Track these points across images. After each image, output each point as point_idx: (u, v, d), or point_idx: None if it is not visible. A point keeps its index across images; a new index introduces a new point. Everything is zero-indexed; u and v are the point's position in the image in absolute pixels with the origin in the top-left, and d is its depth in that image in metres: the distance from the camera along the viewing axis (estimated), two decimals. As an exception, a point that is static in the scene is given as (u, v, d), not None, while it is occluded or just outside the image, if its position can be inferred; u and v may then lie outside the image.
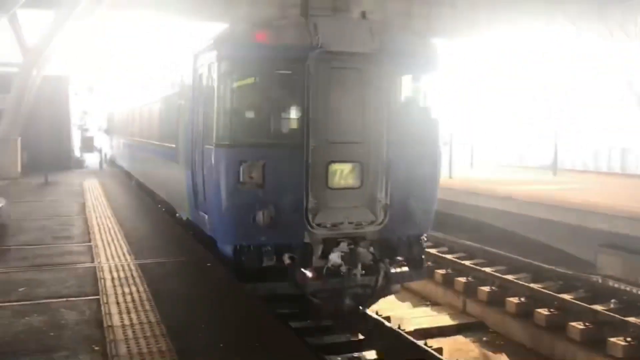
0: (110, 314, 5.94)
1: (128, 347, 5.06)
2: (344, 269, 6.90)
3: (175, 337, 5.30)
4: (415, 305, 10.42)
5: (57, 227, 11.04)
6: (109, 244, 9.51)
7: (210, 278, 7.83)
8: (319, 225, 7.02)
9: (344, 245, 7.00)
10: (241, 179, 6.89)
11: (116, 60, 46.81)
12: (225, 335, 5.51)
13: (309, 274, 6.93)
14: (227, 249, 7.37)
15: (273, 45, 7.00)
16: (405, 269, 7.74)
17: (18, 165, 20.19)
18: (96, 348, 5.07)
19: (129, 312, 5.99)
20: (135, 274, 7.63)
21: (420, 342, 7.58)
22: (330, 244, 7.03)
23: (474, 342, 8.77)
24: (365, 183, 7.12)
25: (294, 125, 7.21)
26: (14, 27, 20.27)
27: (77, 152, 30.27)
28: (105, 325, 5.61)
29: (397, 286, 8.15)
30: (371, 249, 7.18)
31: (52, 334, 5.40)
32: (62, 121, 24.81)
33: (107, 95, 32.74)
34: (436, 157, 7.84)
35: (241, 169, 6.88)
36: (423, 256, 7.84)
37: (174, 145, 9.68)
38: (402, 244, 7.58)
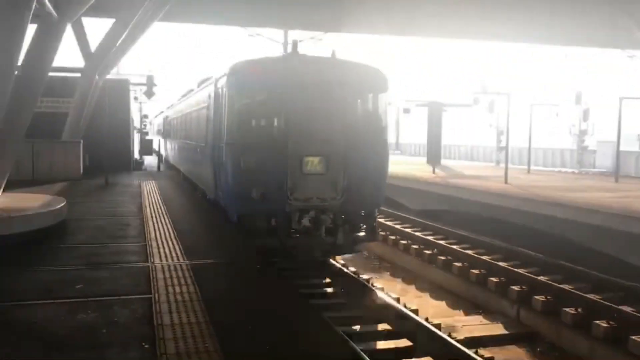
0: (161, 312, 6.06)
1: (177, 346, 5.14)
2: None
3: (223, 338, 5.35)
4: (467, 313, 10.19)
5: (114, 226, 11.36)
6: (163, 244, 9.72)
7: (259, 280, 7.91)
8: (295, 199, 9.44)
9: (312, 213, 9.50)
10: (242, 167, 9.42)
11: (170, 68, 50.37)
12: (270, 337, 5.53)
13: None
14: (234, 216, 9.82)
15: (264, 76, 9.95)
16: (363, 233, 10.26)
17: (80, 167, 20.90)
18: (146, 346, 5.18)
19: (179, 312, 6.09)
20: (187, 274, 7.77)
21: (471, 351, 7.41)
22: (304, 213, 9.50)
23: (527, 352, 8.51)
24: (329, 171, 9.56)
25: (279, 130, 9.68)
26: (77, 34, 21.06)
27: (136, 155, 31.18)
28: (155, 323, 5.72)
29: (360, 245, 10.77)
30: (331, 216, 9.60)
31: (104, 330, 5.54)
32: (123, 124, 25.61)
33: (162, 102, 36.75)
34: (384, 155, 10.46)
35: (241, 160, 9.44)
36: (375, 224, 10.47)
37: (204, 145, 12.58)
38: (359, 215, 10.16)
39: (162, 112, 35.32)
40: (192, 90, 17.87)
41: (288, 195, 9.36)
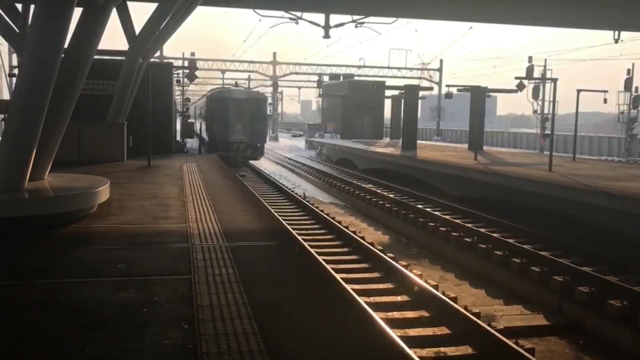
0: (200, 293, 6.12)
1: (215, 327, 5.19)
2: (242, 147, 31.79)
3: (261, 320, 5.38)
4: (507, 303, 10.04)
5: (156, 207, 11.54)
6: (203, 225, 9.84)
7: (298, 263, 7.92)
8: (232, 138, 31.08)
9: (237, 144, 31.01)
10: (214, 128, 31.91)
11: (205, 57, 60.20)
12: (309, 319, 5.53)
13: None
14: (211, 145, 32.02)
15: (222, 95, 32.79)
16: (257, 154, 32.04)
17: (124, 149, 21.29)
18: (185, 326, 5.24)
19: (217, 293, 6.15)
20: (226, 255, 7.84)
21: (511, 342, 7.29)
22: (234, 143, 31.02)
23: (569, 344, 8.33)
24: (244, 129, 31.23)
25: (226, 114, 31.31)
26: (122, 17, 21.35)
27: (178, 137, 31.61)
28: (195, 304, 5.79)
29: (261, 156, 32.86)
30: (244, 145, 31.10)
31: (145, 310, 5.63)
32: (165, 107, 25.91)
33: (199, 89, 55.55)
34: (265, 125, 34.14)
35: (214, 125, 31.87)
36: (263, 149, 32.88)
37: (205, 121, 34.33)
38: (256, 145, 31.86)
39: (195, 102, 53.88)
40: (205, 94, 41.13)
41: (229, 137, 30.69)
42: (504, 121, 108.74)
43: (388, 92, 39.19)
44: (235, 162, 29.37)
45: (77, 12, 11.40)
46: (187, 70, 32.14)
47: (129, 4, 21.64)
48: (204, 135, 35.05)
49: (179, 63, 48.63)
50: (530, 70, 37.66)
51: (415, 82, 60.47)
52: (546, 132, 37.59)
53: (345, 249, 11.90)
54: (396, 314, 8.29)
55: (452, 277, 11.51)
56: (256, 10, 25.48)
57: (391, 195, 18.58)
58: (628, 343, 8.07)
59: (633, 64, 37.15)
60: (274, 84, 69.03)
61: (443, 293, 8.99)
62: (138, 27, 21.15)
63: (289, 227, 11.88)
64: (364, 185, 21.61)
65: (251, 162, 32.54)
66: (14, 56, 44.65)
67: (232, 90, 35.21)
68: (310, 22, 26.62)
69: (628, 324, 8.17)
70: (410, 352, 5.93)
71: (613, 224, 11.92)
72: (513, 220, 13.75)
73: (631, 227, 11.38)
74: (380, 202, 17.99)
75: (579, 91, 21.14)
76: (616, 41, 27.23)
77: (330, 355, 4.90)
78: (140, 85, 22.48)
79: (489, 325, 7.77)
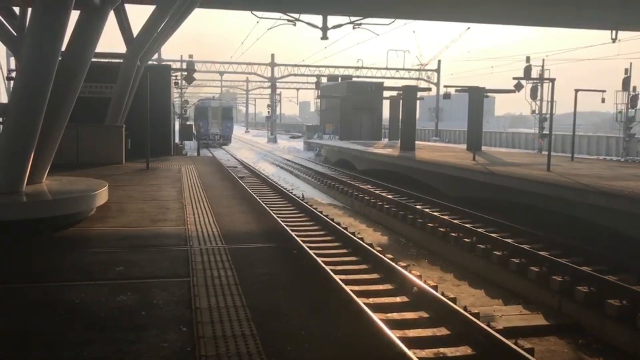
0: (199, 296, 6.12)
1: (213, 330, 5.18)
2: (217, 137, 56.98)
3: (259, 322, 5.38)
4: (506, 303, 10.02)
5: (154, 210, 11.53)
6: (202, 228, 9.83)
7: (296, 265, 7.91)
8: (210, 131, 55.34)
9: (213, 135, 55.77)
10: (200, 125, 52.95)
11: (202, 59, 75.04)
12: (308, 321, 5.52)
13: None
14: (197, 136, 42.03)
15: (203, 104, 59.24)
16: (227, 141, 56.92)
17: (122, 151, 21.28)
18: (184, 329, 5.23)
19: (216, 295, 6.15)
20: (225, 258, 7.83)
21: (510, 342, 7.27)
22: (212, 134, 55.99)
23: (568, 343, 8.32)
24: (218, 125, 56.47)
25: (207, 117, 56.05)
26: (120, 19, 21.34)
27: (177, 140, 31.57)
28: (193, 307, 5.78)
29: (229, 143, 58.12)
30: (219, 136, 56.26)
31: (143, 312, 5.62)
32: (163, 109, 25.92)
33: (194, 91, 74.67)
34: (232, 123, 58.93)
35: (199, 124, 53.36)
36: (231, 137, 59.15)
37: (197, 122, 55.77)
38: (227, 136, 57.53)
39: (190, 106, 67.43)
40: (196, 102, 65.17)
41: (209, 131, 54.52)
42: (502, 121, 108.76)
43: (386, 93, 39.18)
44: (213, 145, 51.50)
45: (75, 14, 11.40)
46: (185, 73, 32.16)
47: (126, 6, 21.64)
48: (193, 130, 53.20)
49: (177, 65, 53.72)
50: (528, 70, 37.66)
51: (413, 83, 60.52)
52: (544, 132, 37.62)
53: (344, 250, 11.88)
54: (395, 315, 8.27)
55: (452, 278, 11.49)
56: (254, 12, 25.42)
57: (390, 196, 18.57)
58: (627, 342, 8.07)
59: (631, 63, 37.22)
60: (272, 86, 69.05)
61: (442, 294, 8.97)
62: (136, 30, 21.16)
63: (287, 228, 11.86)
64: (362, 186, 21.59)
65: (249, 164, 34.53)
66: (12, 59, 44.64)
67: (210, 100, 61.35)
68: (308, 23, 26.57)
69: (627, 323, 8.16)
70: (409, 352, 5.92)
71: (612, 224, 11.92)
72: (512, 220, 13.74)
73: (630, 227, 11.38)
74: (379, 203, 17.98)
75: (576, 91, 21.13)
76: (614, 41, 27.23)
77: (329, 357, 4.89)
78: (138, 87, 22.48)
79: (488, 325, 7.75)
